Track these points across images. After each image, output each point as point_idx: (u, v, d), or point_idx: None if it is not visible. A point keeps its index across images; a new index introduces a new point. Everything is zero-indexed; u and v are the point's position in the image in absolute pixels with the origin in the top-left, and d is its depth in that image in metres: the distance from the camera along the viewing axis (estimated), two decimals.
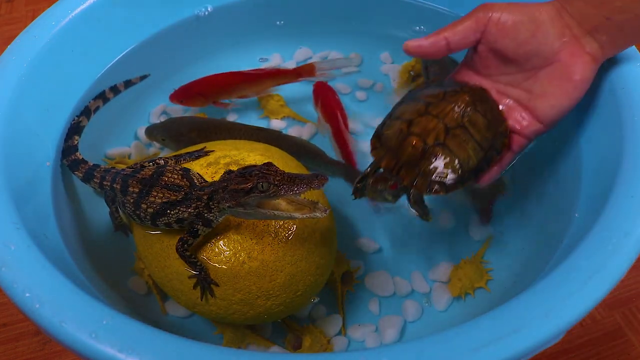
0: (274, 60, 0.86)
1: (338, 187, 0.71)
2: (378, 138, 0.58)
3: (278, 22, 0.86)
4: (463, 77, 0.59)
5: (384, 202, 0.57)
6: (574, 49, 0.52)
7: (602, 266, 0.42)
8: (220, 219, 0.52)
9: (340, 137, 0.73)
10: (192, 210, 0.51)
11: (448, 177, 0.55)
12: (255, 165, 0.49)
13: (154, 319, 0.61)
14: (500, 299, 0.60)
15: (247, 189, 0.47)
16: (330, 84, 0.84)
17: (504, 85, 0.57)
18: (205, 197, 0.50)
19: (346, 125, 0.74)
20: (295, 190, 0.46)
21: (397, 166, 0.55)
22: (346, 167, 0.72)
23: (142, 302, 0.62)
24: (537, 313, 0.40)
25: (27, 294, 0.41)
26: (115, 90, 0.70)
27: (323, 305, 0.63)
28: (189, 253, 0.52)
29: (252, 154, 0.58)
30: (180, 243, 0.51)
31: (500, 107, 0.58)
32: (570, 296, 0.41)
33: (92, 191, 0.67)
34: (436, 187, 0.54)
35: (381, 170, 0.56)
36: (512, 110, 0.57)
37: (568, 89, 0.53)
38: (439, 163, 0.54)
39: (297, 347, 0.59)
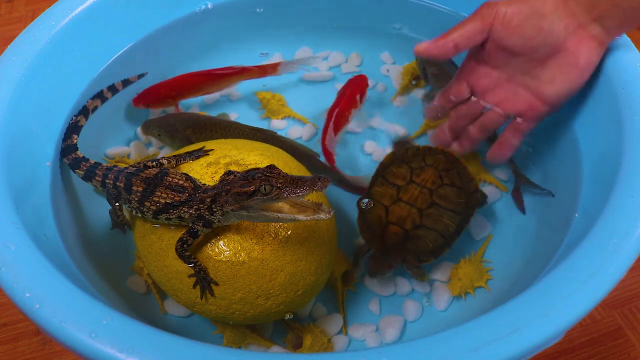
0: (275, 58, 0.86)
1: (337, 187, 0.71)
2: (364, 221, 0.63)
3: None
4: (470, 70, 0.60)
5: (384, 276, 0.63)
6: (580, 36, 0.52)
7: (602, 266, 0.42)
8: (224, 222, 0.51)
9: (323, 133, 0.72)
10: (194, 212, 0.51)
11: (433, 247, 0.61)
12: (258, 168, 0.48)
13: (153, 319, 0.61)
14: (500, 298, 0.60)
15: (250, 192, 0.47)
16: (329, 83, 0.84)
17: (511, 73, 0.57)
18: (208, 200, 0.50)
19: (337, 126, 0.73)
20: (298, 193, 0.46)
21: (386, 250, 0.61)
22: (331, 171, 0.71)
23: (141, 302, 0.62)
24: (537, 313, 0.40)
25: (27, 294, 0.41)
26: (113, 89, 0.70)
27: (323, 305, 0.63)
28: (189, 253, 0.52)
29: (252, 154, 0.58)
30: (180, 243, 0.51)
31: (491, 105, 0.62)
32: (570, 296, 0.41)
33: (92, 191, 0.67)
34: (424, 257, 0.61)
35: (372, 251, 0.62)
36: (518, 96, 0.58)
37: (575, 74, 0.54)
38: (422, 241, 0.61)
39: (297, 347, 0.59)
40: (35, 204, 0.56)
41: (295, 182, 0.46)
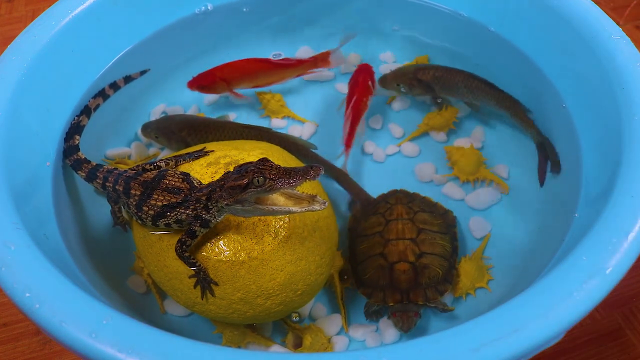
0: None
1: (335, 184, 0.71)
2: (364, 285, 0.61)
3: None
4: None
5: (416, 326, 0.60)
6: None
7: (602, 266, 0.42)
8: (219, 218, 0.52)
9: (352, 121, 0.72)
10: (190, 212, 0.51)
11: (444, 273, 0.61)
12: (251, 162, 0.49)
13: (153, 318, 0.61)
14: (501, 299, 0.60)
15: (244, 184, 0.47)
16: (330, 83, 0.84)
17: None
18: (204, 198, 0.50)
19: (358, 114, 0.73)
20: (292, 183, 0.46)
21: (403, 295, 0.59)
22: (336, 171, 0.71)
23: (141, 301, 0.62)
24: (537, 313, 0.40)
25: (27, 294, 0.41)
26: (114, 86, 0.71)
27: (323, 305, 0.63)
28: (188, 254, 0.52)
29: (252, 154, 0.58)
30: (179, 244, 0.51)
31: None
32: (570, 296, 0.41)
33: (92, 191, 0.67)
34: (442, 288, 0.60)
35: (391, 304, 0.59)
36: None
37: None
38: (432, 270, 0.60)
39: (297, 347, 0.59)
40: (36, 204, 0.56)
41: (288, 173, 0.46)
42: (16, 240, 0.46)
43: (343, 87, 0.83)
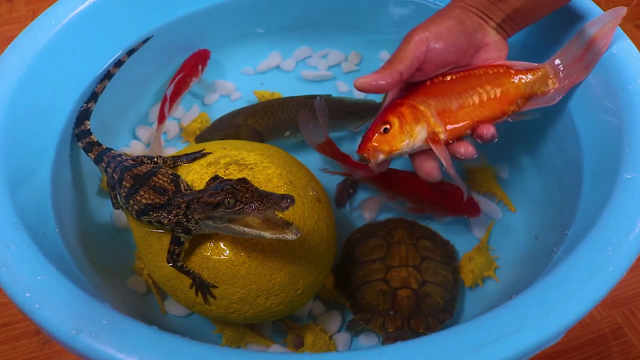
0: (273, 59, 0.86)
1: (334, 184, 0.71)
2: (362, 311, 0.59)
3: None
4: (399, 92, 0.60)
5: None
6: (486, 30, 0.57)
7: (602, 266, 0.42)
8: (199, 231, 0.51)
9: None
10: (172, 217, 0.51)
11: (444, 303, 0.59)
12: (231, 180, 0.48)
13: (153, 318, 0.61)
14: (500, 298, 0.60)
15: (215, 203, 0.46)
16: (330, 82, 0.84)
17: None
18: (183, 206, 0.50)
19: (178, 89, 0.76)
20: (262, 210, 0.45)
21: (404, 322, 0.58)
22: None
23: (142, 301, 0.62)
24: (537, 313, 0.40)
25: (27, 294, 0.41)
26: (119, 64, 0.71)
27: (321, 302, 0.63)
28: (180, 263, 0.52)
29: (252, 154, 0.58)
30: (169, 255, 0.51)
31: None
32: (570, 296, 0.41)
33: (92, 191, 0.67)
34: (443, 317, 0.58)
35: (391, 330, 0.58)
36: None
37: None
38: (433, 299, 0.59)
39: (298, 346, 0.59)
40: (36, 204, 0.56)
41: (261, 199, 0.45)
42: (16, 240, 0.46)
43: (344, 86, 0.83)
